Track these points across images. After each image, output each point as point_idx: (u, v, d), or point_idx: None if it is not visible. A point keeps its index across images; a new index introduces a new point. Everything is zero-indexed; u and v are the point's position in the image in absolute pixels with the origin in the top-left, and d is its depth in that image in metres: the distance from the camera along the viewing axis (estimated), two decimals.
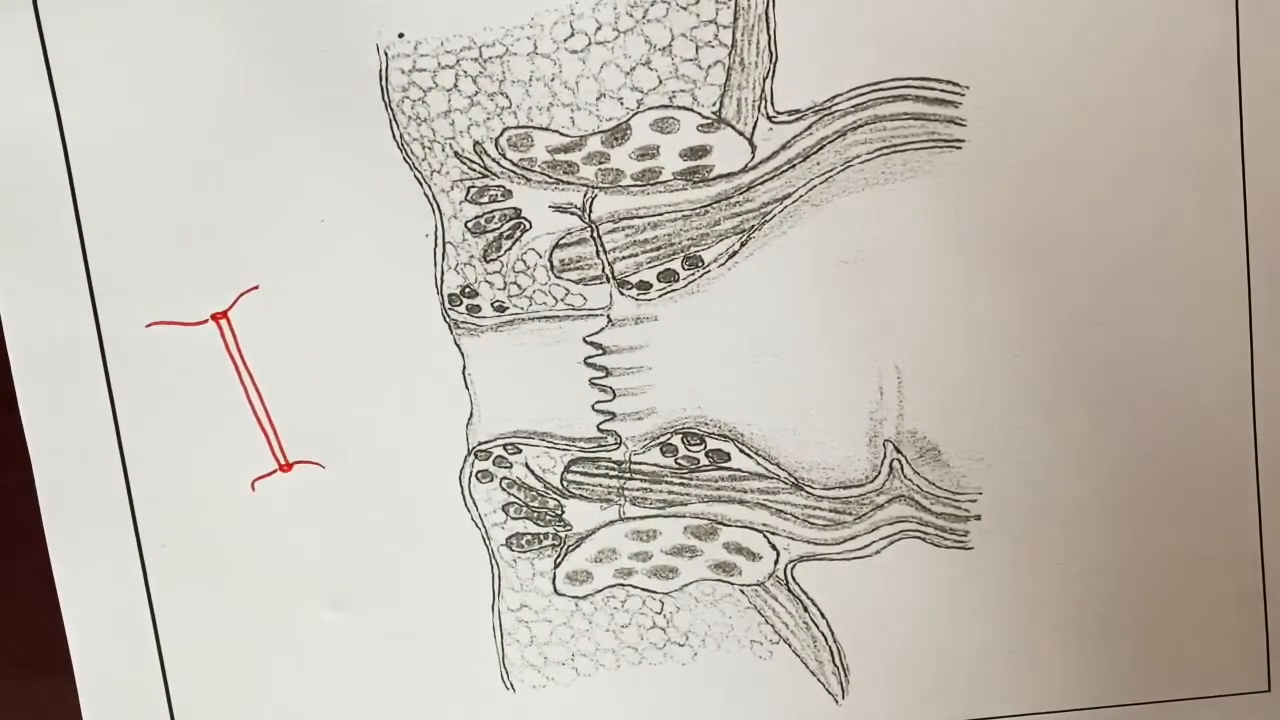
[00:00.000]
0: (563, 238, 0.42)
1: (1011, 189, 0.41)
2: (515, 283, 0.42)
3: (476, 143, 0.41)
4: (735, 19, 0.40)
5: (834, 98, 0.41)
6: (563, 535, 0.43)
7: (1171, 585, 0.43)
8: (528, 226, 0.41)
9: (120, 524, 0.42)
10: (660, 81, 0.40)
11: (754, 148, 0.41)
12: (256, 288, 0.41)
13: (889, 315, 0.42)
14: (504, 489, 0.43)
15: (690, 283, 0.42)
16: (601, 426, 0.43)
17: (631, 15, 0.40)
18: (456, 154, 0.41)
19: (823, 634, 0.44)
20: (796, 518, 0.43)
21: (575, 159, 0.41)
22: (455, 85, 0.40)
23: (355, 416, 0.42)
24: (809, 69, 0.40)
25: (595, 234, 0.41)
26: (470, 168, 0.41)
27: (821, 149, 0.41)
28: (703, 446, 0.43)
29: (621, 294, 0.42)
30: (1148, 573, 0.43)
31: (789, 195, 0.41)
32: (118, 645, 0.43)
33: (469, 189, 0.41)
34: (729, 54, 0.40)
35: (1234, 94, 0.41)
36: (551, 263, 0.42)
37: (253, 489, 0.42)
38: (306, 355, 0.42)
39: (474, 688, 0.44)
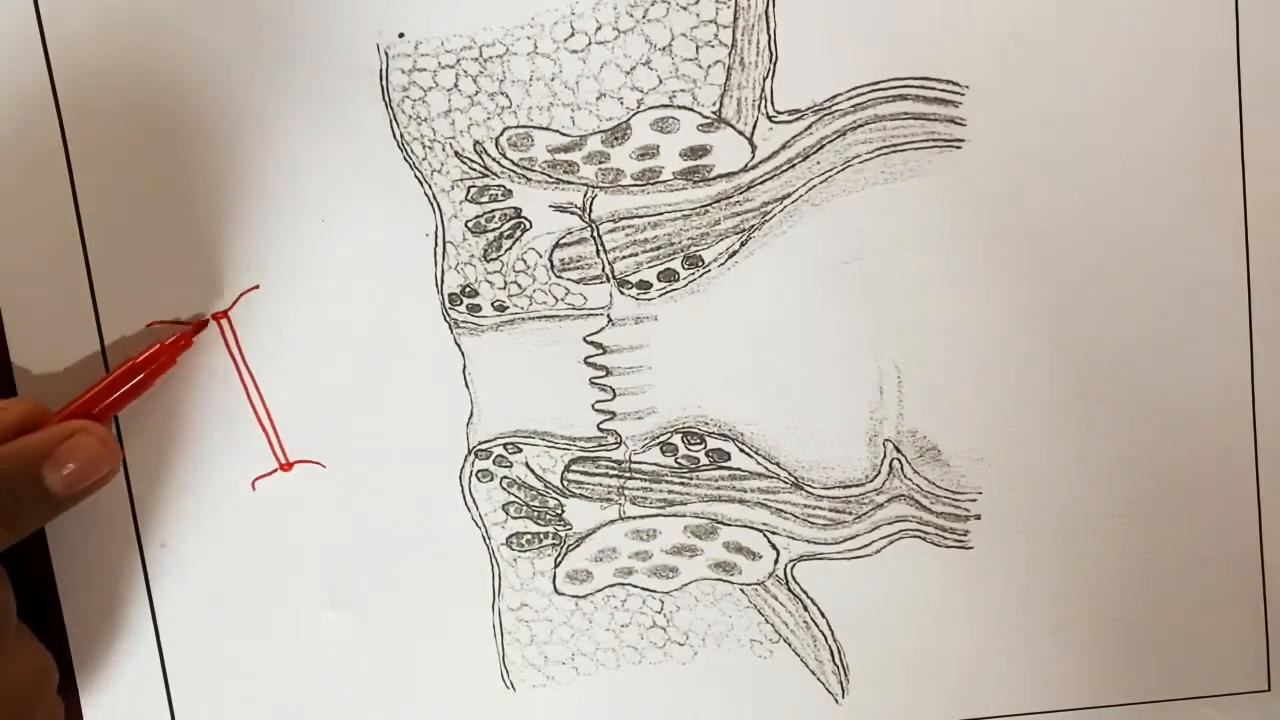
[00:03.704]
0: (563, 237, 0.42)
1: (1011, 189, 0.41)
2: (515, 282, 0.42)
3: (477, 142, 0.41)
4: (735, 19, 0.40)
5: (834, 98, 0.41)
6: (563, 535, 0.43)
7: (1171, 585, 0.43)
8: (528, 226, 0.42)
9: (120, 524, 0.42)
10: (660, 81, 0.40)
11: (754, 147, 0.41)
12: (256, 288, 0.41)
13: (889, 315, 0.42)
14: (504, 488, 0.43)
15: (690, 282, 0.42)
16: (601, 426, 0.43)
17: (631, 15, 0.40)
18: (457, 154, 0.41)
19: (823, 633, 0.44)
20: (796, 517, 0.43)
21: (575, 159, 0.41)
22: (455, 85, 0.40)
23: (355, 416, 0.42)
24: (809, 69, 0.41)
25: (595, 233, 0.42)
26: (470, 167, 0.41)
27: (821, 149, 0.41)
28: (703, 446, 0.43)
29: (621, 293, 0.42)
30: (1147, 572, 0.43)
31: (789, 195, 0.41)
32: (118, 645, 0.43)
33: (469, 188, 0.41)
34: (729, 54, 0.40)
35: (1234, 94, 0.41)
36: (552, 262, 0.42)
37: (253, 489, 0.42)
38: (306, 355, 0.42)
39: (474, 687, 0.44)
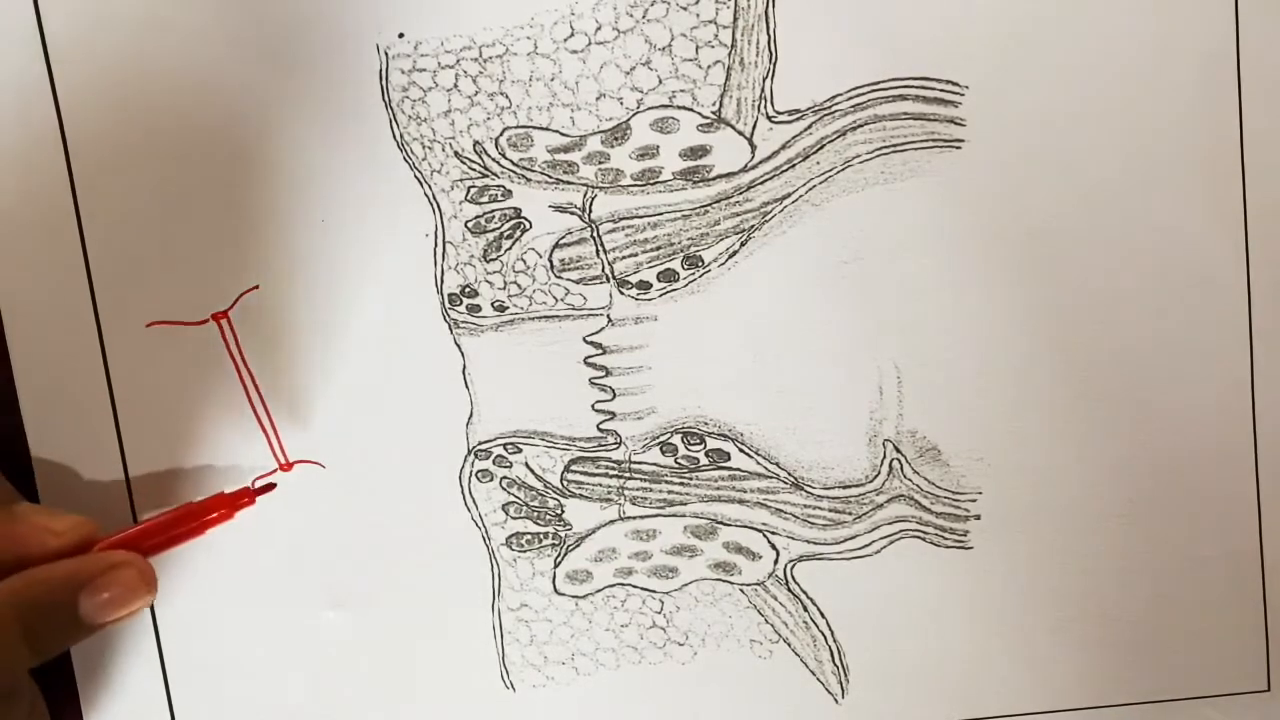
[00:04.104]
0: (563, 237, 0.42)
1: (1011, 189, 0.41)
2: (515, 282, 0.42)
3: (476, 142, 0.41)
4: (735, 19, 0.40)
5: (834, 98, 0.41)
6: (563, 535, 0.43)
7: (1171, 585, 0.43)
8: (528, 226, 0.42)
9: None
10: (660, 81, 0.40)
11: (754, 147, 0.41)
12: (257, 288, 0.41)
13: (889, 315, 0.42)
14: (504, 488, 0.43)
15: (690, 282, 0.42)
16: (601, 426, 0.43)
17: (631, 15, 0.40)
18: (456, 154, 0.41)
19: (822, 634, 0.44)
20: (796, 517, 0.43)
21: (575, 159, 0.41)
22: (455, 85, 0.40)
23: (355, 416, 0.42)
24: (809, 69, 0.40)
25: (595, 234, 0.42)
26: (470, 167, 0.41)
27: (821, 149, 0.41)
28: (702, 446, 0.43)
29: (621, 294, 0.42)
30: (1147, 572, 0.43)
31: (789, 195, 0.41)
32: (118, 645, 0.43)
33: (469, 189, 0.41)
34: (729, 54, 0.40)
35: (1234, 94, 0.41)
36: (551, 262, 0.42)
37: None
38: (306, 355, 0.42)
39: (474, 688, 0.44)
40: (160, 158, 0.40)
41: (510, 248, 0.42)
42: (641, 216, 0.41)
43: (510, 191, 0.41)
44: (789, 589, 0.44)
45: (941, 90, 0.41)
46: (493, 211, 0.41)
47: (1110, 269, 0.42)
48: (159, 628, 0.43)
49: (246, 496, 0.40)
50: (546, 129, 0.41)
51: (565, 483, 0.43)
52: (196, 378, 0.41)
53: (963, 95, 0.41)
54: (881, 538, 0.43)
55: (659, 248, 0.42)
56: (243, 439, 0.42)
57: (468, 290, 0.42)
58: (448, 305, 0.42)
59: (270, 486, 0.41)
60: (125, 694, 0.43)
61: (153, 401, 0.41)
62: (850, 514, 0.43)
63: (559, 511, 0.43)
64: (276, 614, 0.43)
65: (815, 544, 0.43)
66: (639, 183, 0.41)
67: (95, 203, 0.40)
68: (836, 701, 0.44)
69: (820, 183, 0.41)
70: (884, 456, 0.43)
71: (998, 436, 0.43)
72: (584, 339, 0.42)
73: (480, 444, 0.43)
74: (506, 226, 0.42)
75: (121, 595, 0.37)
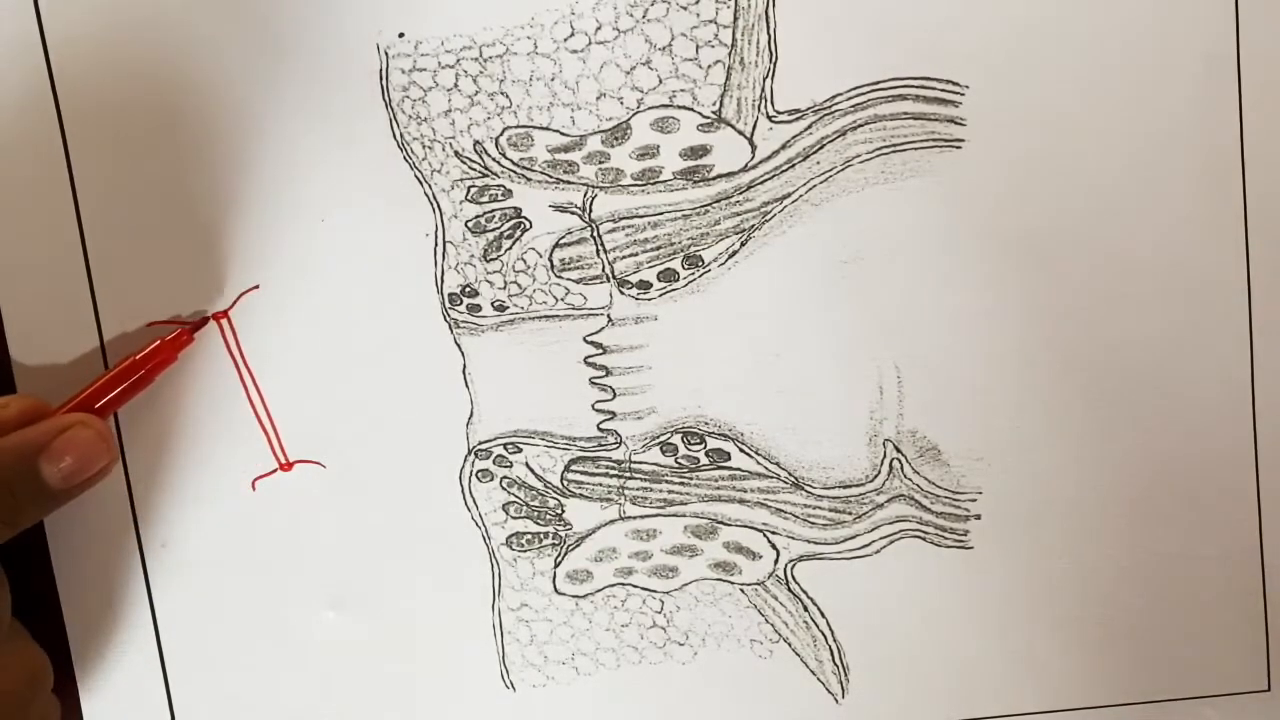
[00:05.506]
0: (563, 237, 0.42)
1: (1011, 189, 0.41)
2: (515, 282, 0.42)
3: (477, 142, 0.41)
4: (735, 18, 0.40)
5: (834, 97, 0.41)
6: (563, 534, 0.43)
7: (1171, 585, 0.43)
8: (528, 226, 0.42)
9: (120, 524, 0.42)
10: (660, 81, 0.40)
11: (754, 147, 0.41)
12: (256, 288, 0.41)
13: (889, 315, 0.42)
14: (504, 488, 0.43)
15: (690, 282, 0.42)
16: (601, 426, 0.43)
17: (631, 15, 0.40)
18: (457, 153, 0.41)
19: (822, 633, 0.44)
20: (796, 517, 0.43)
21: (575, 158, 0.41)
22: (455, 85, 0.40)
23: (355, 416, 0.42)
24: (809, 69, 0.41)
25: (595, 233, 0.42)
26: (470, 167, 0.41)
27: (821, 149, 0.41)
28: (703, 446, 0.43)
29: (622, 293, 0.42)
30: (1147, 572, 0.43)
31: (789, 195, 0.41)
32: (118, 645, 0.43)
33: (469, 188, 0.41)
34: (729, 53, 0.40)
35: (1234, 94, 0.41)
36: (552, 262, 0.42)
37: (253, 488, 0.42)
38: (306, 355, 0.42)
39: (474, 687, 0.44)
40: (160, 157, 0.40)
41: (510, 247, 0.42)
42: (642, 216, 0.41)
43: (510, 191, 0.41)
44: (789, 589, 0.44)
45: (941, 90, 0.41)
46: (493, 211, 0.41)
47: (1110, 268, 0.42)
48: (159, 627, 0.43)
49: (184, 335, 0.40)
50: (547, 129, 0.41)
51: (565, 482, 0.43)
52: (197, 377, 0.41)
53: (963, 95, 0.41)
54: (881, 538, 0.43)
55: (659, 247, 0.42)
56: (243, 439, 0.42)
57: (468, 290, 0.42)
58: (448, 305, 0.42)
59: (204, 321, 0.41)
60: (125, 693, 0.43)
61: (153, 401, 0.41)
62: (850, 514, 0.43)
63: (559, 511, 0.43)
64: (276, 614, 0.43)
65: (815, 544, 0.43)
66: (639, 182, 0.41)
67: (95, 202, 0.40)
68: (836, 701, 0.44)
69: (820, 182, 0.41)
70: (884, 456, 0.43)
71: (998, 436, 0.43)
72: (584, 339, 0.42)
73: (480, 444, 0.43)
74: (507, 226, 0.42)
75: (82, 457, 0.37)
